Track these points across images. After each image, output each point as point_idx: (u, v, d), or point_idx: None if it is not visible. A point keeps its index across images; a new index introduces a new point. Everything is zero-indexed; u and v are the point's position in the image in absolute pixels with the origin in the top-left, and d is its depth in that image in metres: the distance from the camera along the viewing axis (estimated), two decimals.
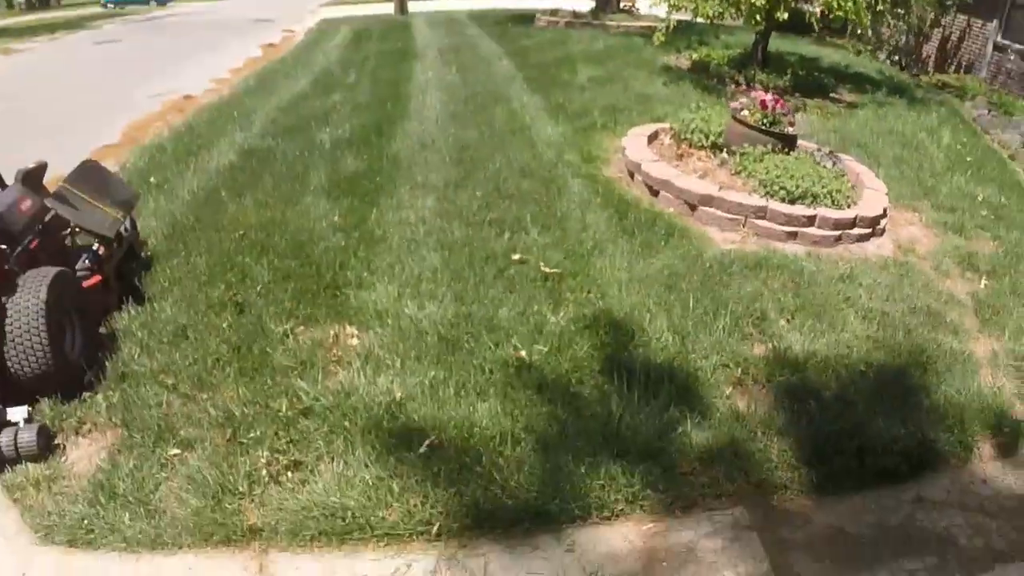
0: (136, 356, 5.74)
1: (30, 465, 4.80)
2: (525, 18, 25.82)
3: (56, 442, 5.04)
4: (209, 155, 10.59)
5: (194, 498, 4.46)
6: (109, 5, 57.51)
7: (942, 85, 18.60)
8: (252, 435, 4.87)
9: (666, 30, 14.43)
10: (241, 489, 4.50)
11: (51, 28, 37.57)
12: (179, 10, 50.89)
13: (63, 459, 4.94)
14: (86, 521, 4.38)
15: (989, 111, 15.68)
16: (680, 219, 8.29)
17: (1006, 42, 18.95)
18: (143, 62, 22.57)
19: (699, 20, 15.34)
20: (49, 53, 27.23)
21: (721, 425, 5.02)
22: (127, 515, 4.39)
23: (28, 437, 4.81)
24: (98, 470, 4.75)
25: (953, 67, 20.79)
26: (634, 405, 5.08)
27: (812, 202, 8.20)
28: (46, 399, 5.22)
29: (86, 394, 5.36)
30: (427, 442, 4.71)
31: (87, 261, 6.22)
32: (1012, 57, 18.61)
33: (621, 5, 26.91)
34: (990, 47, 19.46)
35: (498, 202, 8.38)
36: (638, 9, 26.33)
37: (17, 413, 4.95)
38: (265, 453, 4.73)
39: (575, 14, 25.37)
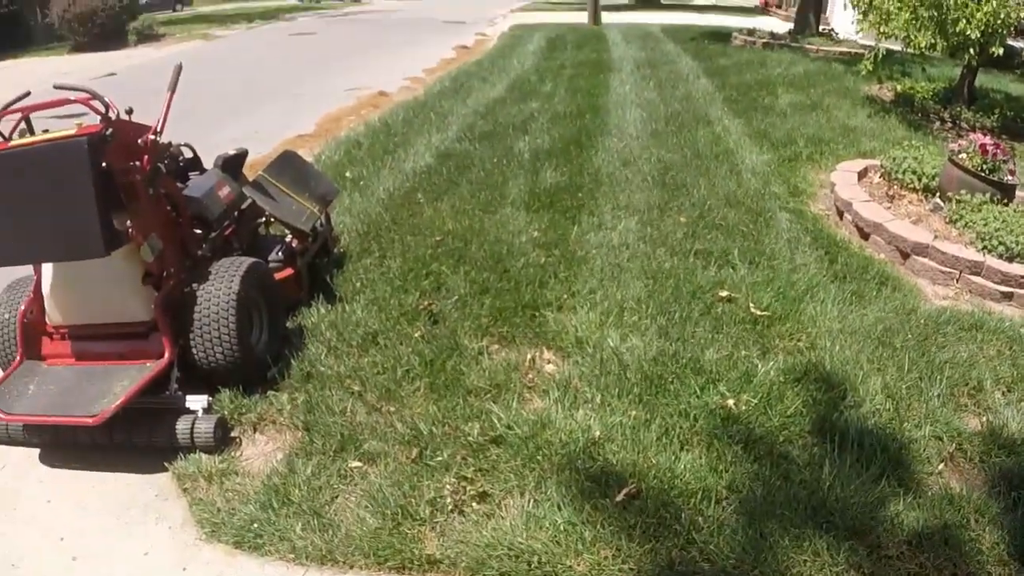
0: (323, 357, 5.59)
1: (204, 456, 4.72)
2: (720, 36, 25.36)
3: (233, 435, 4.93)
4: (405, 155, 10.52)
5: (372, 517, 4.21)
6: None
7: None
8: (439, 458, 4.60)
9: (874, 59, 13.76)
10: (423, 515, 4.22)
11: (248, 17, 39.26)
12: (373, 7, 52.19)
13: (238, 454, 4.84)
14: (256, 524, 4.21)
15: None
16: (891, 267, 7.72)
17: None
18: (337, 55, 22.98)
19: (903, 51, 14.68)
20: (246, 41, 28.18)
21: (932, 506, 4.48)
22: (299, 524, 4.19)
23: (205, 427, 4.75)
24: (274, 472, 4.60)
25: None
26: (845, 474, 4.60)
27: None
28: (227, 390, 5.11)
29: (269, 390, 5.23)
30: (625, 490, 4.34)
31: (280, 253, 6.20)
32: None
33: (820, 28, 26.19)
34: None
35: (703, 232, 7.96)
36: (837, 33, 25.58)
37: (197, 402, 4.88)
38: (451, 479, 4.45)
39: (772, 35, 24.79)
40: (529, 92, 15.59)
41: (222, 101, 15.73)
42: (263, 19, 38.84)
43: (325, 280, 6.60)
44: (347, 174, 9.60)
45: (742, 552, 4.03)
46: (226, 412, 5.00)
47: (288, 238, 6.33)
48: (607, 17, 33.38)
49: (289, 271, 6.13)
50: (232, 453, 4.81)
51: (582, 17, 32.57)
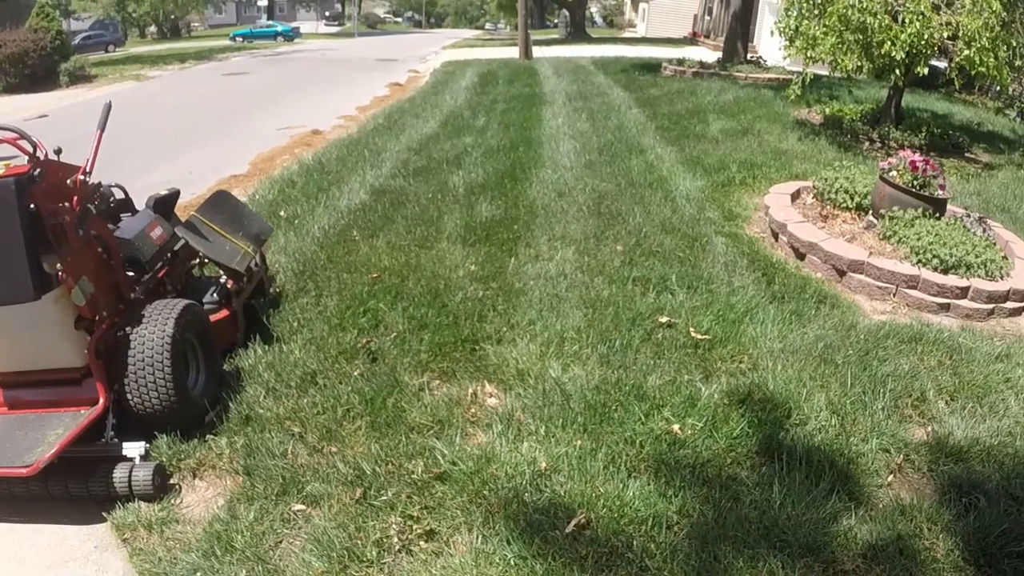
0: (261, 399, 5.49)
1: (143, 504, 4.59)
2: (651, 67, 25.68)
3: (172, 482, 4.80)
4: (339, 192, 10.47)
5: (318, 561, 4.11)
6: (238, 39, 59.83)
7: None
8: (383, 497, 4.51)
9: (802, 83, 14.00)
10: (369, 556, 4.13)
11: (181, 58, 39.16)
12: (306, 46, 52.35)
13: (178, 502, 4.71)
14: (199, 573, 4.10)
15: None
16: (829, 285, 7.85)
17: None
18: (270, 95, 22.95)
19: (830, 74, 15.03)
20: (179, 82, 28.06)
21: (885, 518, 4.54)
22: (244, 572, 4.09)
23: (143, 475, 4.61)
24: (215, 519, 4.48)
25: None
26: (795, 492, 4.62)
27: (966, 272, 7.72)
28: (164, 436, 4.97)
29: (207, 435, 5.11)
30: (574, 521, 4.29)
31: (215, 294, 6.09)
32: None
33: (748, 56, 26.60)
34: None
35: (641, 259, 8.00)
36: (765, 60, 25.99)
37: (133, 449, 4.75)
38: (397, 518, 4.36)
39: (702, 64, 25.18)
40: (462, 127, 15.64)
41: (155, 142, 15.61)
42: (196, 59, 38.81)
43: (261, 321, 6.50)
44: (281, 213, 9.54)
45: None
46: (164, 459, 4.87)
47: (223, 279, 6.24)
48: (538, 51, 33.73)
49: (224, 312, 6.02)
50: (172, 500, 4.68)
51: (513, 52, 32.94)
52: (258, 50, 48.62)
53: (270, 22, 71.86)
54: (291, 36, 62.74)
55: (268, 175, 12.08)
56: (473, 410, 5.41)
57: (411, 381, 5.71)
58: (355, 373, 5.81)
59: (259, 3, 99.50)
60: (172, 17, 71.13)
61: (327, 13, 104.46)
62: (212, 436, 5.11)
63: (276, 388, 5.62)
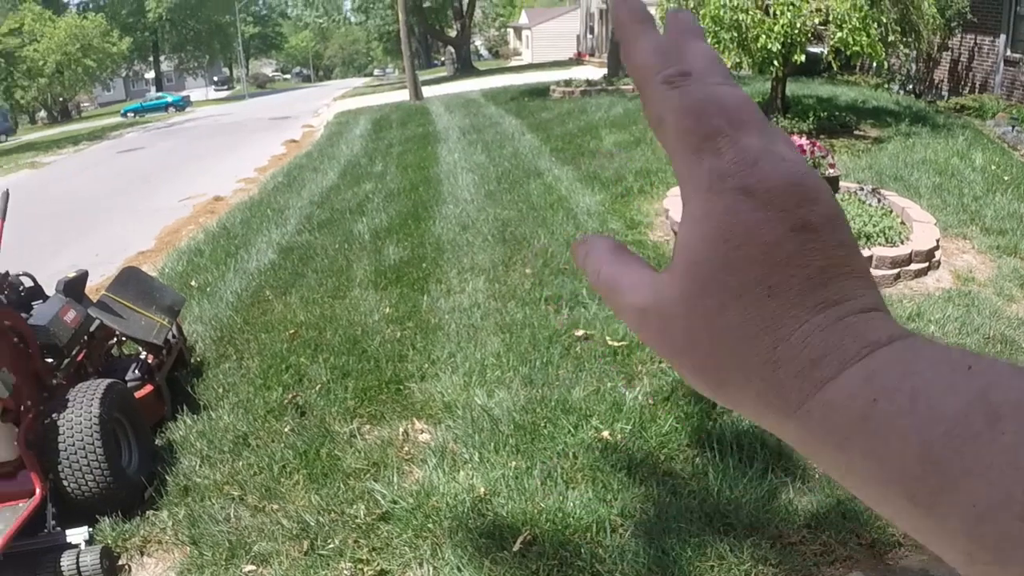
0: (197, 467, 5.50)
1: None
2: (539, 91, 25.91)
3: (121, 563, 4.78)
4: (248, 255, 10.48)
5: None
6: (129, 114, 58.95)
7: (960, 108, 18.58)
8: (331, 545, 4.57)
9: None
10: None
11: (74, 140, 38.51)
12: (197, 114, 51.85)
13: None
14: None
15: (1012, 127, 15.65)
16: None
17: (1016, 55, 18.92)
18: (169, 167, 22.76)
19: None
20: (76, 164, 27.63)
21: (823, 487, 4.72)
22: None
23: (91, 560, 4.56)
24: None
25: (967, 88, 20.84)
26: (731, 476, 4.79)
27: (866, 243, 8.07)
28: (107, 518, 4.95)
29: (148, 511, 5.11)
30: (520, 539, 4.40)
31: (137, 371, 6.07)
32: None
33: None
34: (1001, 63, 19.42)
35: (550, 278, 8.14)
36: None
37: (77, 535, 4.70)
38: (347, 564, 4.43)
39: (588, 82, 25.52)
40: (361, 175, 15.71)
41: (58, 226, 15.42)
42: (90, 140, 38.26)
43: (186, 391, 6.52)
44: (192, 283, 9.54)
45: (648, 573, 4.14)
46: (109, 540, 4.85)
47: (143, 355, 6.25)
48: (428, 91, 33.85)
49: (149, 388, 6.02)
50: None
51: (404, 95, 33.02)
52: (151, 123, 48.08)
53: (160, 94, 70.79)
54: (182, 105, 62.00)
55: (175, 247, 12.02)
56: (406, 448, 5.50)
57: (341, 429, 5.76)
58: (285, 429, 5.85)
59: (147, 76, 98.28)
60: (61, 100, 70.13)
61: (215, 78, 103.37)
62: (154, 511, 5.10)
63: (210, 455, 5.63)
